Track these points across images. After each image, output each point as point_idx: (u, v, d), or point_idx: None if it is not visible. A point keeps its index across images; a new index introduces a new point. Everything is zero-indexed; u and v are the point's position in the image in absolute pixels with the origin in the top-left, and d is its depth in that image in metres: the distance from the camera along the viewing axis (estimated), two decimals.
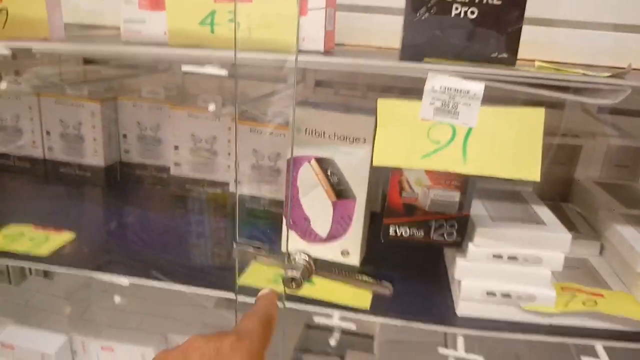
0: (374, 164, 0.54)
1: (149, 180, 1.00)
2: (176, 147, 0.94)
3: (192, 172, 0.94)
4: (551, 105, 0.90)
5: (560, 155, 0.90)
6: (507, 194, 0.74)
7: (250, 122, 0.85)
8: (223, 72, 0.56)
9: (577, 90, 0.56)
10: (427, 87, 0.51)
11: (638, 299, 0.63)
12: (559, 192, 0.91)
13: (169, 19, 0.67)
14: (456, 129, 0.52)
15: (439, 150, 0.52)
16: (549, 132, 0.88)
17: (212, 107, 0.57)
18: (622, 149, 0.89)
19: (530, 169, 0.51)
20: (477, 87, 0.51)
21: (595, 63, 0.86)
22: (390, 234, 0.62)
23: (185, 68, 0.58)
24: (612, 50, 0.84)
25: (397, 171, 0.60)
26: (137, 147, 0.99)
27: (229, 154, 0.91)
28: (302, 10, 0.65)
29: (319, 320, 0.63)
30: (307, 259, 0.48)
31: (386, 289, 0.50)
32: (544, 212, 0.67)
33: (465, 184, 0.59)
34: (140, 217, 0.88)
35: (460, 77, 0.51)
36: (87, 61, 1.13)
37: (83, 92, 0.95)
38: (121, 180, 1.01)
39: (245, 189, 0.88)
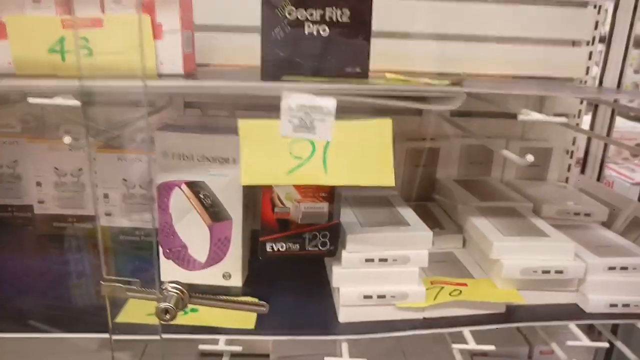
0: (242, 183, 0.55)
1: (10, 221, 0.92)
2: (39, 184, 0.87)
3: (59, 209, 0.88)
4: (410, 112, 0.98)
5: (422, 158, 0.97)
6: (375, 199, 0.78)
7: (116, 150, 0.81)
8: (75, 102, 0.54)
9: (422, 99, 0.62)
10: (284, 105, 0.53)
11: (495, 283, 0.70)
12: (424, 192, 0.98)
13: (12, 47, 0.63)
14: (315, 143, 0.54)
15: (302, 165, 0.54)
16: (409, 137, 0.95)
17: (67, 139, 0.54)
18: (474, 147, 0.98)
19: (384, 176, 0.55)
20: (330, 103, 0.53)
21: (445, 70, 0.94)
22: (268, 250, 0.63)
23: (33, 100, 0.55)
24: (459, 58, 0.93)
25: (268, 188, 0.61)
26: None
27: (97, 185, 0.87)
28: (157, 34, 0.64)
29: (205, 347, 0.62)
30: (179, 289, 0.47)
31: (262, 308, 0.51)
32: (408, 213, 0.72)
33: (332, 195, 0.62)
34: (3, 263, 0.81)
35: (313, 95, 0.53)
36: None
37: None
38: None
39: (119, 221, 0.84)
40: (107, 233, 0.84)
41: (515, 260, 0.67)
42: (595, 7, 0.96)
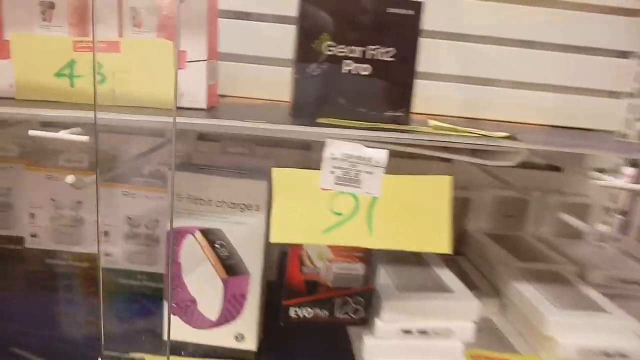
0: (272, 241, 0.47)
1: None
2: (32, 215, 0.79)
3: (53, 244, 0.79)
4: (438, 158, 0.91)
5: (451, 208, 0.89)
6: (407, 253, 0.70)
7: (122, 184, 0.74)
8: (83, 138, 0.46)
9: (473, 152, 0.54)
10: (326, 154, 0.46)
11: None
12: (453, 245, 0.90)
13: (15, 68, 0.56)
14: (359, 199, 0.47)
15: (342, 223, 0.47)
16: None
17: (70, 179, 0.46)
18: (508, 199, 0.91)
19: (439, 241, 0.47)
20: (380, 155, 0.46)
21: (478, 115, 0.88)
22: (291, 316, 0.55)
23: (34, 133, 0.47)
24: (493, 104, 0.87)
25: (297, 245, 0.53)
26: None
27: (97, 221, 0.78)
28: (180, 62, 0.57)
29: None
30: None
31: None
32: (447, 275, 0.64)
33: (369, 255, 0.54)
34: None
35: (361, 144, 0.46)
36: None
37: None
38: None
39: (119, 263, 0.76)
40: (105, 274, 0.75)
41: (572, 339, 0.59)
42: (638, 58, 0.90)
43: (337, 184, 0.46)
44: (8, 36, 0.56)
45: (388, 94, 0.57)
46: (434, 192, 0.47)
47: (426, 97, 0.82)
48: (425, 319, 0.56)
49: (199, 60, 0.57)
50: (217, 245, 0.59)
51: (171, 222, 0.55)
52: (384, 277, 0.62)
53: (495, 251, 0.80)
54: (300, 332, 0.65)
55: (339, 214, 0.47)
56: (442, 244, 0.47)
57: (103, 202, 0.74)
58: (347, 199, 0.47)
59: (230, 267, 0.60)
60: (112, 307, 0.70)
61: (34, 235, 0.79)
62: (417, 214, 0.47)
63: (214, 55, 0.61)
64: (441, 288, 0.60)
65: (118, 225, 0.75)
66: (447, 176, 0.46)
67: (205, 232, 0.59)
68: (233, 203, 0.58)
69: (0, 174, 0.82)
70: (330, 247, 0.53)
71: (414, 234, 0.47)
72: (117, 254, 0.75)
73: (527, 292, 0.66)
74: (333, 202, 0.47)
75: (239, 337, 0.62)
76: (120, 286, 0.76)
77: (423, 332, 0.56)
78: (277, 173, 0.46)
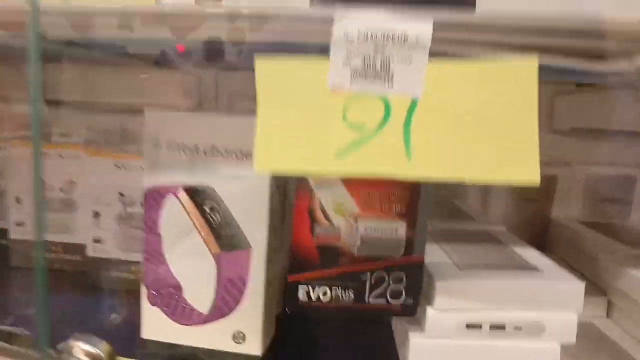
0: (257, 170, 0.31)
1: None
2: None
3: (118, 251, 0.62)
4: None
5: (530, 190, 0.70)
6: (473, 235, 0.52)
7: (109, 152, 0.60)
8: None
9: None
10: (337, 33, 0.30)
11: None
12: (532, 237, 0.70)
13: None
14: (391, 103, 0.30)
15: (364, 141, 0.30)
16: None
17: None
18: (605, 179, 0.70)
19: (522, 166, 0.29)
20: (422, 29, 0.29)
21: None
22: (300, 298, 0.38)
23: None
24: None
25: (304, 191, 0.37)
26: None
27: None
28: None
29: None
30: (94, 356, 0.23)
31: None
32: (532, 254, 0.45)
33: (415, 208, 0.36)
34: None
35: (391, 15, 0.30)
36: None
37: None
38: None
39: (114, 252, 0.62)
40: (95, 267, 0.62)
41: None
42: None
43: (354, 80, 0.30)
44: None
45: None
46: (512, 86, 0.29)
47: None
48: (501, 308, 0.38)
49: None
50: (206, 209, 0.44)
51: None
52: (438, 254, 0.44)
53: (595, 239, 0.60)
54: (326, 327, 0.48)
55: (359, 127, 0.30)
56: (529, 170, 0.29)
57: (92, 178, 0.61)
58: (371, 103, 0.30)
59: (225, 239, 0.44)
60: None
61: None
62: (482, 122, 0.29)
63: None
64: (523, 266, 0.42)
65: (111, 205, 0.61)
66: (532, 59, 0.29)
67: (192, 192, 0.44)
68: (227, 150, 0.43)
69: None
70: (353, 194, 0.36)
71: (478, 155, 0.29)
72: (108, 240, 0.62)
73: None
74: (349, 109, 0.30)
75: (239, 337, 0.45)
76: (112, 280, 0.62)
77: (498, 328, 0.37)
78: (262, 65, 0.30)
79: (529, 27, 0.33)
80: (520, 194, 0.69)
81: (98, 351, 0.23)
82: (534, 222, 0.70)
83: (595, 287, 0.55)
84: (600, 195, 0.70)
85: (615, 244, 0.58)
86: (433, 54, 0.30)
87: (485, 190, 0.70)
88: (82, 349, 0.23)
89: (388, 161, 0.30)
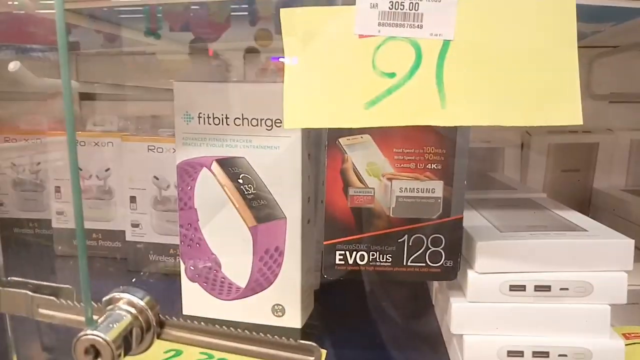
0: (286, 126, 0.30)
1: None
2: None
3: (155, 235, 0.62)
4: None
5: (572, 158, 0.67)
6: (513, 201, 0.50)
7: (143, 137, 0.61)
8: None
9: None
10: None
11: None
12: (575, 207, 0.67)
13: None
14: (421, 46, 0.29)
15: (395, 89, 0.29)
16: (552, 127, 0.66)
17: (13, 65, 0.33)
18: None
19: (563, 104, 0.28)
20: None
21: None
22: (338, 262, 0.37)
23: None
24: None
25: (336, 153, 0.36)
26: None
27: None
28: None
29: None
30: (140, 308, 0.23)
31: (310, 356, 0.24)
32: (576, 217, 0.43)
33: (451, 166, 0.35)
34: None
35: None
36: None
37: None
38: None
39: (149, 236, 0.62)
40: (134, 252, 0.62)
41: None
42: None
43: (382, 24, 0.29)
44: None
45: None
46: (548, 23, 0.28)
47: None
48: (546, 268, 0.36)
49: None
50: (240, 181, 0.44)
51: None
52: (478, 219, 0.43)
53: None
54: (367, 295, 0.47)
55: (390, 75, 0.29)
56: (567, 109, 0.27)
57: (127, 161, 0.62)
58: (401, 48, 0.29)
59: (259, 210, 0.44)
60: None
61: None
62: (517, 63, 0.28)
63: None
64: (567, 227, 0.40)
65: (146, 189, 0.62)
66: None
67: (224, 164, 0.44)
68: (258, 119, 0.42)
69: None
70: (386, 153, 0.35)
71: (513, 96, 0.28)
72: (145, 226, 0.62)
73: None
74: (378, 56, 0.29)
75: (278, 310, 0.45)
76: (151, 263, 0.62)
77: (544, 288, 0.36)
78: (287, 14, 0.30)
79: None
80: (560, 164, 0.67)
81: (142, 303, 0.23)
82: (575, 192, 0.67)
83: None
84: None
85: None
86: None
87: (524, 162, 0.68)
88: (128, 300, 0.22)
89: (421, 109, 0.29)
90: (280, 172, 0.42)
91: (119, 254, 0.65)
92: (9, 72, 0.33)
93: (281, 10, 0.30)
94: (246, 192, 0.44)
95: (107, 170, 0.66)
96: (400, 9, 0.29)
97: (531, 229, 0.39)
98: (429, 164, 0.35)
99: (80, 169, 0.66)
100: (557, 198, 0.66)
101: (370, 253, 0.36)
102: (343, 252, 0.37)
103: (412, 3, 0.28)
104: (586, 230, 0.39)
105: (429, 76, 0.29)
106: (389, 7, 0.29)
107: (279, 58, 0.49)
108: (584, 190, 0.67)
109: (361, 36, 0.29)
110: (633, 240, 0.36)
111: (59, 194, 0.68)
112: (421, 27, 0.29)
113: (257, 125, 0.42)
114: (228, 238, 0.44)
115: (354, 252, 0.37)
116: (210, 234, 0.45)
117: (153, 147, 0.60)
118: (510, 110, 0.28)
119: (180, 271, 0.46)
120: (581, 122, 0.27)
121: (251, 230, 0.44)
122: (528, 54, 0.27)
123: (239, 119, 0.43)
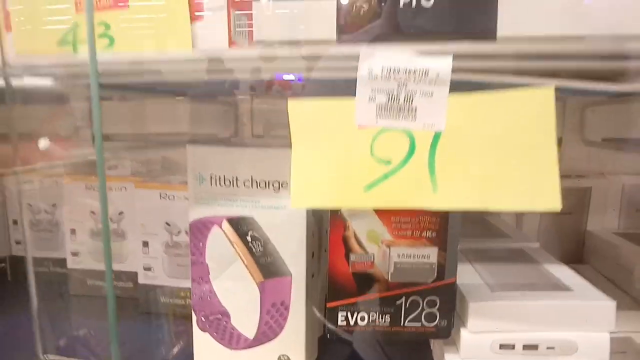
0: (293, 206, 0.33)
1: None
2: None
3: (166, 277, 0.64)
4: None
5: (564, 203, 0.70)
6: (505, 252, 0.53)
7: (155, 184, 0.64)
8: None
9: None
10: (362, 71, 0.32)
11: None
12: (568, 251, 0.70)
13: (15, 42, 0.49)
14: (415, 137, 0.32)
15: (391, 174, 0.32)
16: None
17: (43, 143, 0.37)
18: None
19: (543, 195, 0.31)
20: (443, 65, 0.31)
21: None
22: (340, 323, 0.40)
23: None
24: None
25: (338, 222, 0.39)
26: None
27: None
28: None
29: None
30: None
31: None
32: (564, 273, 0.46)
33: (444, 233, 0.38)
34: None
35: (413, 53, 0.32)
36: None
37: None
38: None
39: (160, 279, 0.65)
40: (146, 294, 0.65)
41: None
42: None
43: (380, 116, 0.32)
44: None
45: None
46: (531, 114, 0.31)
47: None
48: (534, 328, 0.39)
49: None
50: (249, 238, 0.47)
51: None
52: (471, 274, 0.45)
53: (632, 251, 0.60)
54: (367, 349, 0.49)
55: (386, 162, 0.32)
56: (549, 198, 0.30)
57: (140, 208, 0.65)
58: (396, 137, 0.32)
59: (267, 266, 0.46)
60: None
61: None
62: (503, 152, 0.31)
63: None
64: (555, 286, 0.42)
65: (158, 234, 0.65)
66: (549, 87, 0.30)
67: (235, 223, 0.47)
68: (266, 181, 0.45)
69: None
70: (385, 222, 0.38)
71: (500, 184, 0.31)
72: (156, 268, 0.65)
73: None
74: (376, 144, 0.32)
75: None
76: (162, 306, 0.65)
77: (531, 347, 0.38)
78: (293, 106, 0.33)
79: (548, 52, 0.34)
80: None
81: None
82: (569, 235, 0.70)
83: (633, 300, 0.55)
84: (636, 206, 0.70)
85: None
86: (454, 85, 0.32)
87: None
88: None
89: (415, 193, 0.32)
90: (287, 231, 0.45)
91: (130, 295, 0.68)
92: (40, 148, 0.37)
93: (288, 100, 0.33)
94: (254, 250, 0.46)
95: (120, 213, 0.69)
96: (396, 102, 0.32)
97: (521, 287, 0.42)
98: (425, 231, 0.38)
99: (93, 212, 0.70)
100: (551, 239, 0.69)
101: (370, 314, 0.39)
102: (345, 314, 0.39)
103: (407, 97, 0.32)
104: (573, 290, 0.41)
105: (422, 163, 0.32)
106: (386, 101, 0.32)
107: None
108: (578, 233, 0.70)
109: (361, 126, 0.32)
110: (615, 302, 0.39)
111: (74, 235, 0.71)
112: (415, 119, 0.32)
113: (265, 187, 0.45)
114: (237, 292, 0.47)
115: (355, 313, 0.39)
116: (220, 288, 0.48)
117: (165, 195, 0.63)
118: (496, 197, 0.31)
119: (191, 318, 0.49)
120: (559, 209, 0.30)
121: (259, 286, 0.47)
122: (512, 147, 0.30)
123: (248, 181, 0.46)
